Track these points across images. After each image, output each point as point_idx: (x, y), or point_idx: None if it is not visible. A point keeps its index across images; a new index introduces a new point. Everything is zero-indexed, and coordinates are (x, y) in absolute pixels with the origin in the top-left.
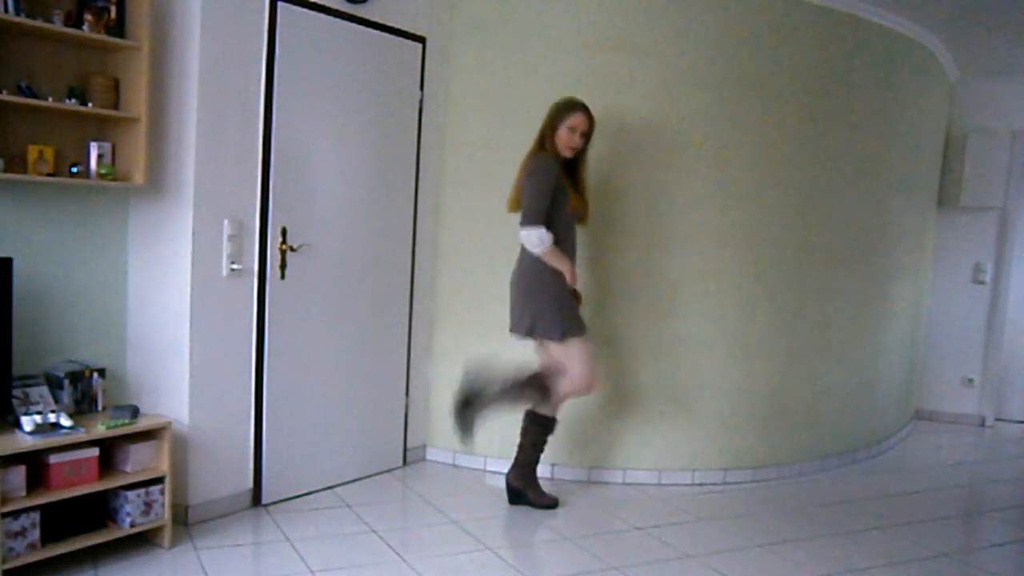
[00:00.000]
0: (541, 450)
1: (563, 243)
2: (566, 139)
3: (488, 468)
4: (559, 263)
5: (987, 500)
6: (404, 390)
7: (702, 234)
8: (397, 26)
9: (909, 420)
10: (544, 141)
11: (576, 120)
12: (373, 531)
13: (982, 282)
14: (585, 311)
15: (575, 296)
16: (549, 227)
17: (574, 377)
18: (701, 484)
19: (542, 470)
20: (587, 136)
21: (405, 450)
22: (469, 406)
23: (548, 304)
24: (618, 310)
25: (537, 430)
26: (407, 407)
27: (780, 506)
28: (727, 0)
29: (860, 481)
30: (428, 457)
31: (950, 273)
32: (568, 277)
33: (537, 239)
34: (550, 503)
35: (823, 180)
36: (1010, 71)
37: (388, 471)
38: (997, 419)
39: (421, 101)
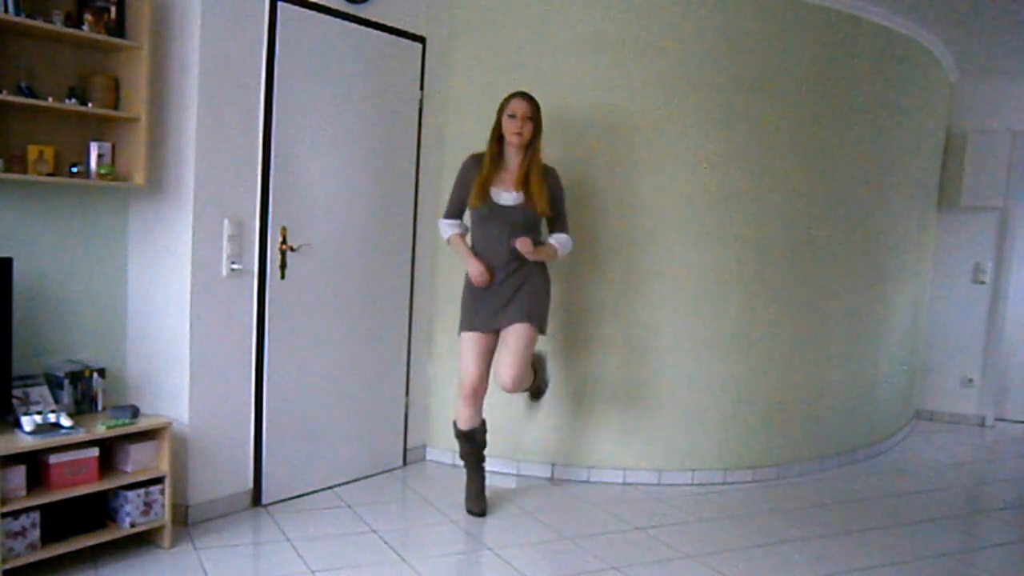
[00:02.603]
0: (469, 462)
1: (475, 237)
2: (507, 126)
3: (487, 468)
4: (459, 256)
5: (987, 500)
6: (404, 390)
7: (701, 233)
8: (397, 26)
9: (909, 420)
10: (491, 140)
11: (512, 107)
12: (373, 531)
13: (982, 282)
14: (587, 311)
15: (486, 289)
16: (466, 223)
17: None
18: (701, 484)
19: (542, 470)
20: (532, 120)
21: (405, 450)
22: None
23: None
24: (616, 310)
25: (458, 443)
26: (407, 407)
27: (780, 506)
28: (727, 0)
29: (860, 481)
30: (428, 457)
31: (950, 273)
32: (469, 271)
33: (441, 229)
34: (475, 510)
35: (823, 180)
36: (1010, 71)
37: (388, 471)
38: (997, 419)
39: (421, 101)
